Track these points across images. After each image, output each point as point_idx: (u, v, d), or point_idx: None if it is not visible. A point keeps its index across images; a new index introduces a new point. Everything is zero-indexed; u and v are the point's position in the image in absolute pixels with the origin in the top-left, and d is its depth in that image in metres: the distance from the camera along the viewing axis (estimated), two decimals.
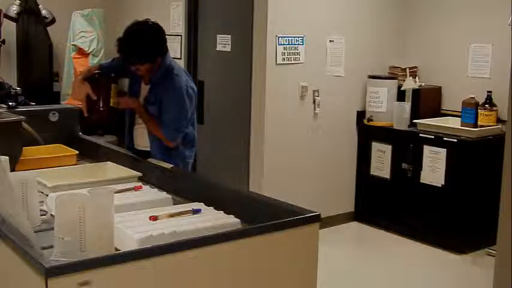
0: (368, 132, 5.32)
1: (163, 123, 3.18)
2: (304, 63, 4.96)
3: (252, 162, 4.98)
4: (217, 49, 5.31)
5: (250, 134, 4.98)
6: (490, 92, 4.83)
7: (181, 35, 5.61)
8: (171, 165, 2.90)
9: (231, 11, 5.25)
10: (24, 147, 2.99)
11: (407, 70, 5.29)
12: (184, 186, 2.61)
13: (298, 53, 4.91)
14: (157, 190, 2.54)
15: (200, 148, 5.69)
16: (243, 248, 1.87)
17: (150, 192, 2.50)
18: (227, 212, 2.19)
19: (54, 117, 3.51)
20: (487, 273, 3.73)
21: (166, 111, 3.17)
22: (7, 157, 2.30)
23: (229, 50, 5.20)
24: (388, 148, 5.17)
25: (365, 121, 5.32)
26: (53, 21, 6.01)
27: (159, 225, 2.03)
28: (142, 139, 3.35)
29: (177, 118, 3.18)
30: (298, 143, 5.05)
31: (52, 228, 1.88)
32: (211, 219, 2.12)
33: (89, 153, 3.30)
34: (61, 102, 5.93)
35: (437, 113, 5.24)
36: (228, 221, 2.12)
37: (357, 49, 5.27)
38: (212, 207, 2.25)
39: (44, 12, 5.94)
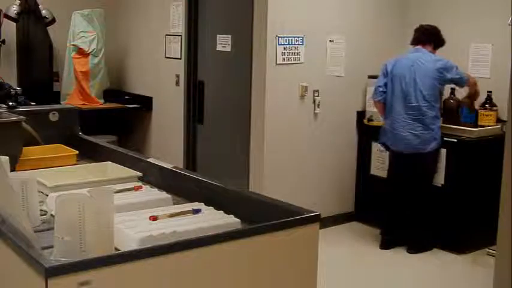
0: (368, 132, 5.31)
1: None
2: (304, 63, 4.96)
3: (252, 162, 4.98)
4: (217, 49, 5.31)
5: (250, 134, 4.98)
6: (490, 92, 4.83)
7: (181, 35, 5.61)
8: (172, 165, 2.90)
9: (231, 11, 5.25)
10: (24, 147, 2.99)
11: None
12: (184, 186, 2.60)
13: (298, 53, 4.91)
14: (157, 190, 2.54)
15: (200, 148, 5.71)
16: (243, 248, 1.86)
17: (150, 192, 2.50)
18: (227, 212, 2.19)
19: (54, 117, 3.50)
20: (487, 273, 3.74)
21: None
22: (7, 157, 2.30)
23: (229, 50, 5.20)
24: None
25: (365, 121, 5.32)
26: (53, 21, 6.00)
27: (159, 225, 2.02)
28: None
29: None
30: (298, 143, 5.05)
31: (52, 228, 1.88)
32: (211, 219, 2.12)
33: (89, 153, 3.29)
34: (61, 102, 5.93)
35: None
36: (228, 221, 2.12)
37: (357, 49, 5.27)
38: (212, 207, 2.25)
39: (44, 12, 5.93)
